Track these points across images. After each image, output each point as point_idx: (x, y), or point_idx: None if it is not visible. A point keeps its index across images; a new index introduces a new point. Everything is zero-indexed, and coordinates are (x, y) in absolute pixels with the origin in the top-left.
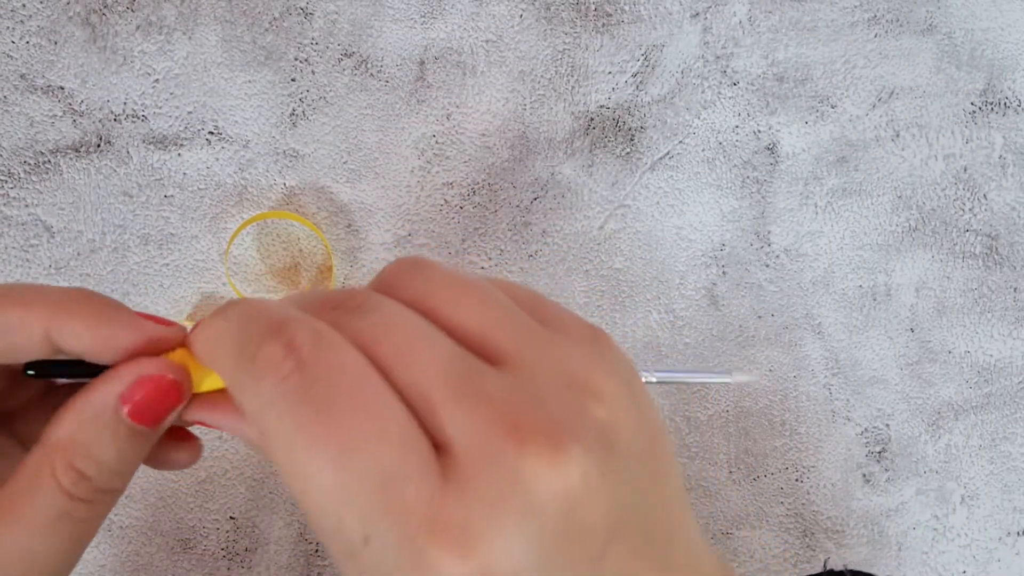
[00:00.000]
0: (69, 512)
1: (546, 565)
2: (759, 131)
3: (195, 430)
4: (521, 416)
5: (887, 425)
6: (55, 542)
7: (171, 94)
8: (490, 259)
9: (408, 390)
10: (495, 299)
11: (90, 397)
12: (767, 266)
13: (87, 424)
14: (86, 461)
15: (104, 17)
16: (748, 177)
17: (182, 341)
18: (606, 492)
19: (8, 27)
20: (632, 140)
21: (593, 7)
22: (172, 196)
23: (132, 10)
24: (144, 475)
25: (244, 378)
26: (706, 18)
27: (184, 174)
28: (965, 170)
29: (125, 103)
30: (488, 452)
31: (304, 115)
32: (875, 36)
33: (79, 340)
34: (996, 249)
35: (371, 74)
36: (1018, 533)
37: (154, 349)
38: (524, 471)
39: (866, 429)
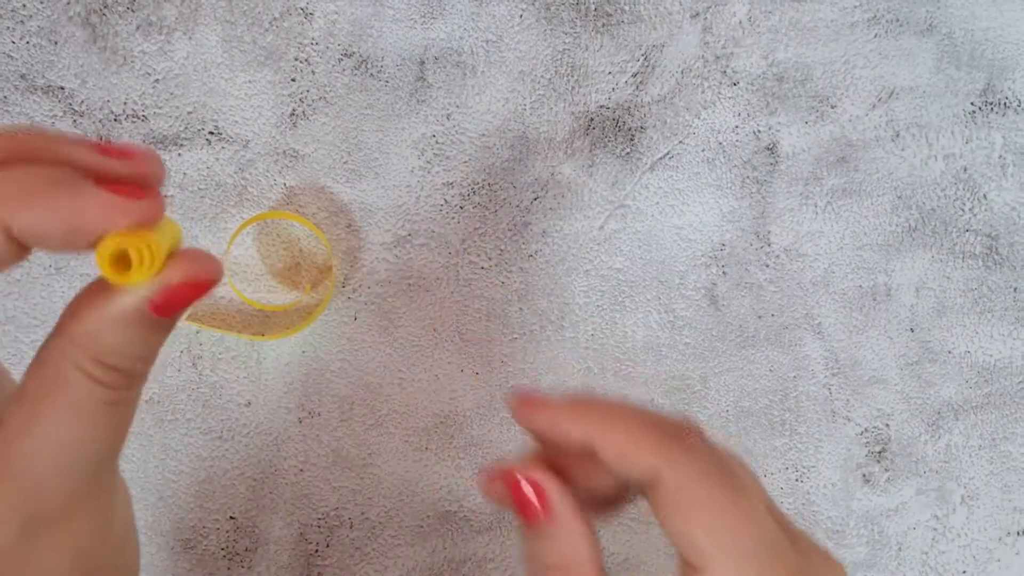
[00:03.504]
0: (104, 398)
1: None
2: (759, 131)
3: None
4: None
5: (887, 425)
6: (98, 430)
7: (171, 94)
8: (490, 259)
9: None
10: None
11: (112, 299)
12: (767, 266)
13: (109, 323)
14: (112, 356)
15: (104, 17)
16: (748, 177)
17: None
18: None
19: (8, 27)
20: (632, 140)
21: (593, 7)
22: (172, 196)
23: (132, 10)
24: (144, 475)
25: (674, 452)
26: (706, 18)
27: (184, 174)
28: (965, 170)
29: (125, 103)
30: None
31: (304, 115)
32: (875, 36)
33: (46, 238)
34: (996, 249)
35: (371, 74)
36: (1018, 533)
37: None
38: None
39: (866, 429)
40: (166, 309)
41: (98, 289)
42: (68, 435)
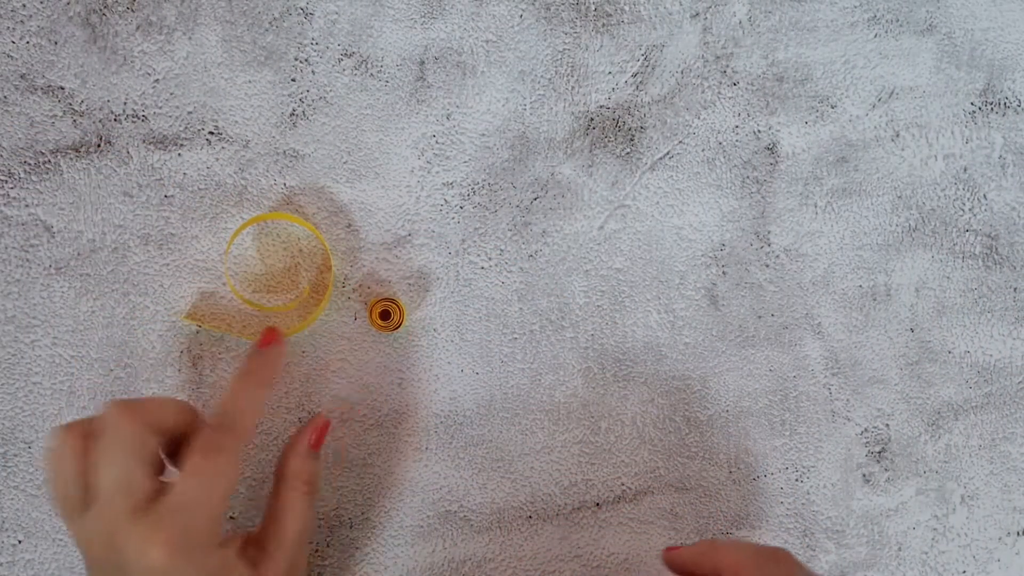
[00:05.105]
0: (308, 501)
1: None
2: (759, 131)
3: None
4: None
5: (887, 425)
6: (307, 517)
7: (171, 94)
8: (490, 259)
9: None
10: None
11: (299, 445)
12: (767, 266)
13: (304, 459)
14: (309, 477)
15: (104, 17)
16: (748, 177)
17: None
18: None
19: (8, 27)
20: (632, 140)
21: (593, 7)
22: (172, 196)
23: (132, 10)
24: None
25: (772, 569)
26: (706, 18)
27: (184, 174)
28: (965, 170)
29: (125, 103)
30: None
31: (304, 115)
32: (875, 36)
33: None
34: (996, 249)
35: (371, 74)
36: (1018, 533)
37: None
38: None
39: (866, 429)
40: (316, 444)
41: (292, 447)
42: (301, 526)
